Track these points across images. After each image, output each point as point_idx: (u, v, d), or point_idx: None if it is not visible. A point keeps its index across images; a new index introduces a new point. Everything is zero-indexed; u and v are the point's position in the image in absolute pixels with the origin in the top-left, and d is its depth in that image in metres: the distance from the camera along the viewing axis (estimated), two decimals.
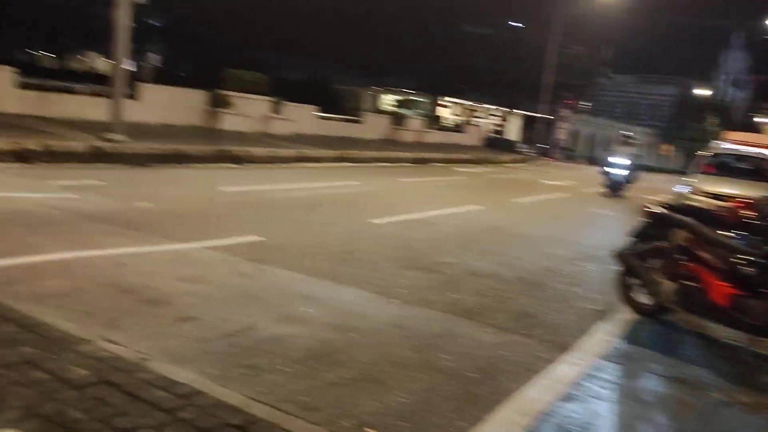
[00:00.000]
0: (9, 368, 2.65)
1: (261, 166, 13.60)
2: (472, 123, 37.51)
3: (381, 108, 34.24)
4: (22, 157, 9.57)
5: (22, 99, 13.73)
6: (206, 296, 4.39)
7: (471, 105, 42.66)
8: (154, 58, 41.95)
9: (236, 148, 13.70)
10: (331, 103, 25.51)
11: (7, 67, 13.76)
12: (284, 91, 21.47)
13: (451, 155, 22.57)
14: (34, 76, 16.32)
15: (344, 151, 17.15)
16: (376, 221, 8.20)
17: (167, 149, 12.03)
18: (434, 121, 33.30)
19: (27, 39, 41.72)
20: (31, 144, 9.87)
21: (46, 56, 42.92)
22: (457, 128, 34.86)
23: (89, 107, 14.62)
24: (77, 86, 17.49)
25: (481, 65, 38.64)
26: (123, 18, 11.73)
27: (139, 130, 12.86)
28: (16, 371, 2.64)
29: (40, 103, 14.05)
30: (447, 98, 41.28)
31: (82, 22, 36.28)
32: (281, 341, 3.70)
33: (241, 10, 35.05)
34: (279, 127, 19.43)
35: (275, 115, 19.74)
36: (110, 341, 3.12)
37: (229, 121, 17.93)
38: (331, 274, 5.33)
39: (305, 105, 21.69)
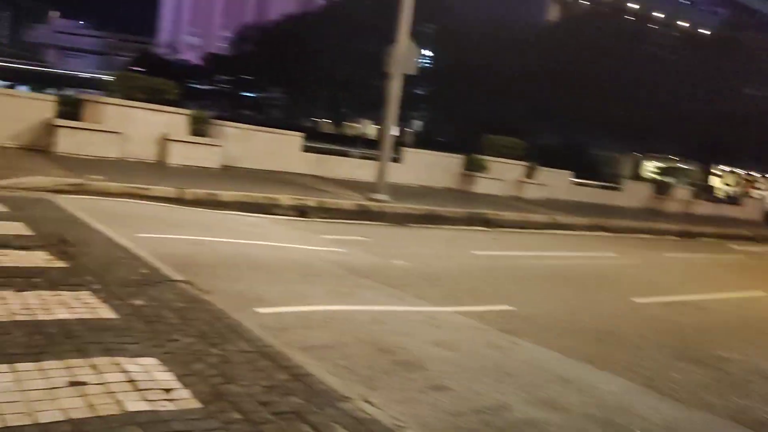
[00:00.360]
0: (279, 417, 2.80)
1: (511, 230, 13.45)
2: (751, 194, 33.23)
3: (642, 175, 32.10)
4: (302, 211, 10.73)
5: (305, 160, 15.67)
6: (458, 365, 4.30)
7: (750, 174, 37.95)
8: (416, 124, 45.06)
9: (488, 212, 13.78)
10: (588, 168, 24.67)
11: (298, 134, 15.93)
12: (540, 155, 21.34)
13: (724, 230, 20.08)
14: (314, 141, 18.59)
15: (600, 219, 16.25)
16: (638, 300, 7.47)
17: (424, 210, 12.56)
18: (704, 190, 30.20)
19: (313, 108, 48.05)
20: (310, 201, 11.05)
21: (325, 123, 48.86)
22: (731, 200, 31.18)
23: (358, 168, 16.09)
24: (349, 149, 19.46)
25: (763, 129, 34.21)
26: (395, 88, 12.70)
27: (399, 191, 13.67)
28: (285, 421, 2.77)
29: (318, 164, 15.89)
30: (720, 166, 37.31)
31: (358, 93, 40.58)
32: (536, 427, 3.42)
33: (498, 80, 36.01)
34: (531, 192, 19.25)
35: (528, 180, 19.63)
36: (368, 402, 3.15)
37: (482, 185, 18.26)
38: (589, 355, 4.90)
39: (560, 170, 21.26)
